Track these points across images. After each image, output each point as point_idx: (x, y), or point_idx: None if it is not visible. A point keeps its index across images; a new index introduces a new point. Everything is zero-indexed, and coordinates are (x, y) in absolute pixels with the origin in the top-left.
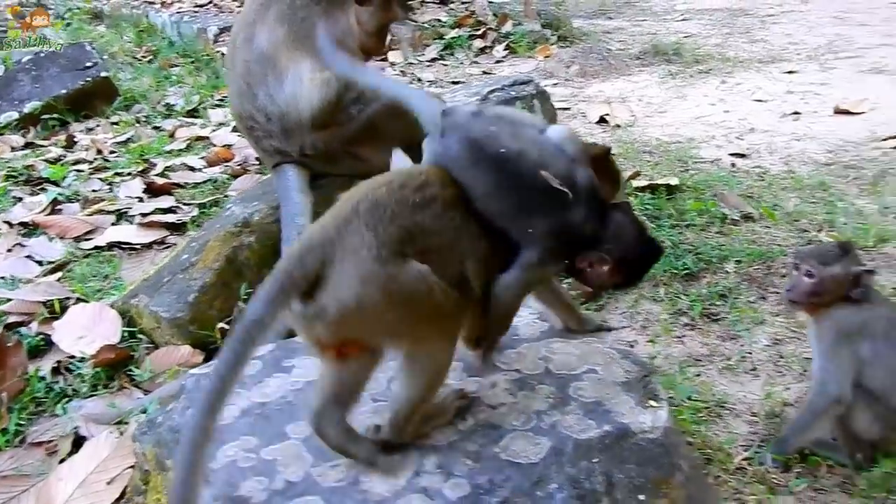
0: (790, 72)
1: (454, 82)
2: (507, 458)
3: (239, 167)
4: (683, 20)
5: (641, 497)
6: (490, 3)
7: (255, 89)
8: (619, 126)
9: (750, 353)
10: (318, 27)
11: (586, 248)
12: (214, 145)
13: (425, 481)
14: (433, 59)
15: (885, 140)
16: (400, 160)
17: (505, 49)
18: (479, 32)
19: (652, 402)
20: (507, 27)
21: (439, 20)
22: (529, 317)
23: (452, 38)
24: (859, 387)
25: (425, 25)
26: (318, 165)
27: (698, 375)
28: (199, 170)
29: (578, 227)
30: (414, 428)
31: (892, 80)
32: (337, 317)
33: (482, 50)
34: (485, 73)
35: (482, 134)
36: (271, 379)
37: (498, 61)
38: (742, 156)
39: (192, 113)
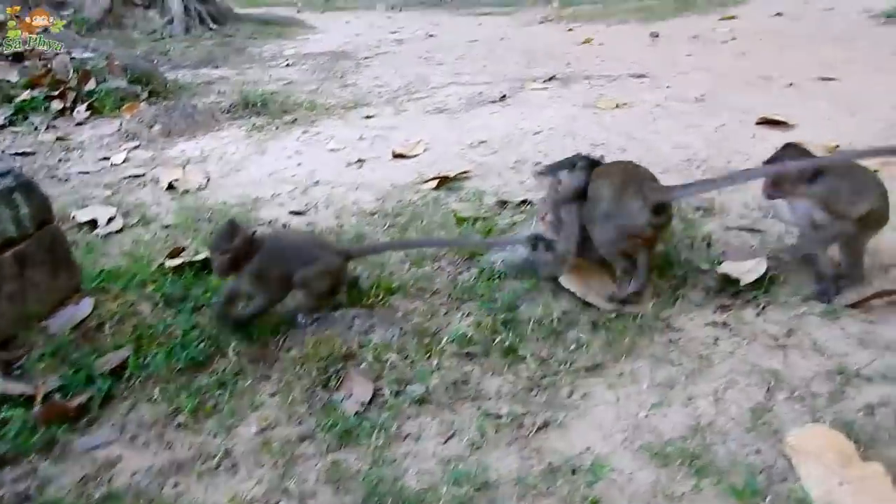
0: (368, 116)
1: (22, 153)
2: None
3: None
4: (287, 66)
5: None
6: (72, 59)
7: None
8: (187, 191)
9: (233, 447)
10: None
11: None
12: None
13: None
14: (1, 127)
15: (425, 182)
16: None
17: (88, 109)
18: (58, 92)
19: None
20: (91, 85)
21: (8, 81)
22: None
23: (24, 100)
24: None
25: None
26: None
27: (177, 486)
28: None
29: None
30: None
31: (449, 119)
32: None
33: (61, 112)
34: (59, 139)
35: None
36: None
37: (79, 124)
38: (299, 213)
39: None
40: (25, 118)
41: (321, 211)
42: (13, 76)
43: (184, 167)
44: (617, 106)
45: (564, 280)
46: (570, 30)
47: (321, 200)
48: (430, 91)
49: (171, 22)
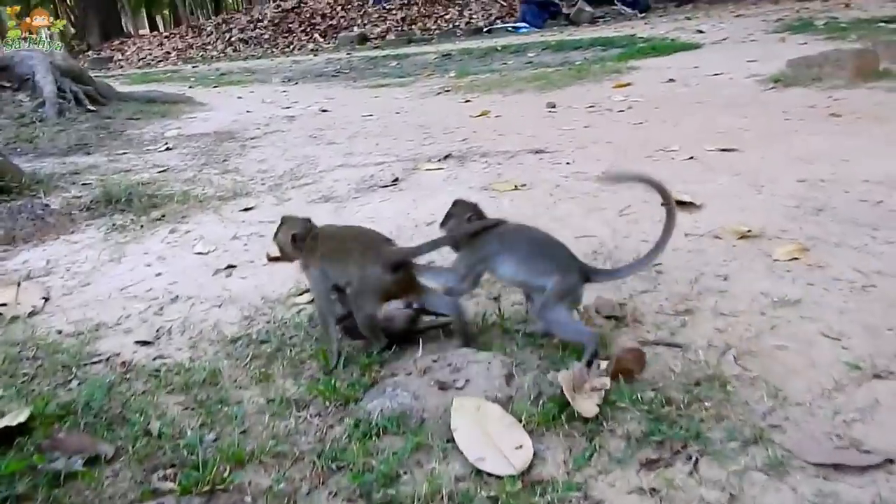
0: (247, 209)
1: None
2: None
3: None
4: (167, 149)
5: None
6: None
7: None
8: (16, 318)
9: None
10: None
11: None
12: None
13: None
14: None
15: (301, 294)
16: None
17: None
18: None
19: None
20: None
21: None
22: None
23: None
24: None
25: None
26: None
27: None
28: None
29: None
30: None
31: (335, 208)
32: None
33: None
34: None
35: None
36: None
37: None
38: (147, 343)
39: None
40: None
41: (174, 338)
42: None
43: (18, 284)
44: (515, 188)
45: (459, 436)
46: (467, 101)
47: (176, 323)
48: (317, 175)
49: (42, 105)
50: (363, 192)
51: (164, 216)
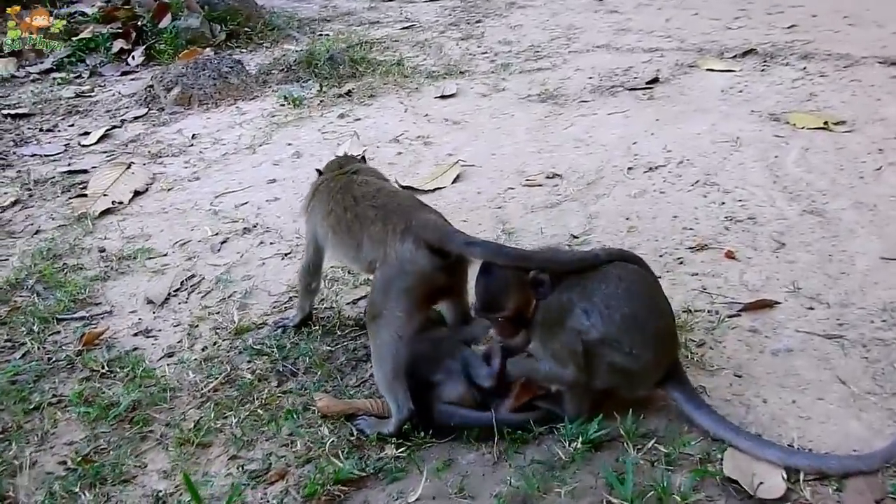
0: (446, 96)
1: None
2: None
3: None
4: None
5: None
6: None
7: None
8: (84, 217)
9: None
10: None
11: None
12: None
13: None
14: (48, 71)
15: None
16: None
17: (145, 53)
18: (124, 30)
19: None
20: (166, 21)
21: (83, 13)
22: None
23: (85, 39)
24: None
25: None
26: None
27: None
28: None
29: None
30: None
31: (548, 112)
32: None
33: (119, 55)
34: (78, 95)
35: None
36: None
37: (125, 73)
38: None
39: None
40: (81, 60)
41: (234, 297)
42: (91, 7)
43: (129, 166)
44: (825, 125)
45: None
46: None
47: (228, 263)
48: (562, 58)
49: None
50: (599, 94)
51: (350, 92)
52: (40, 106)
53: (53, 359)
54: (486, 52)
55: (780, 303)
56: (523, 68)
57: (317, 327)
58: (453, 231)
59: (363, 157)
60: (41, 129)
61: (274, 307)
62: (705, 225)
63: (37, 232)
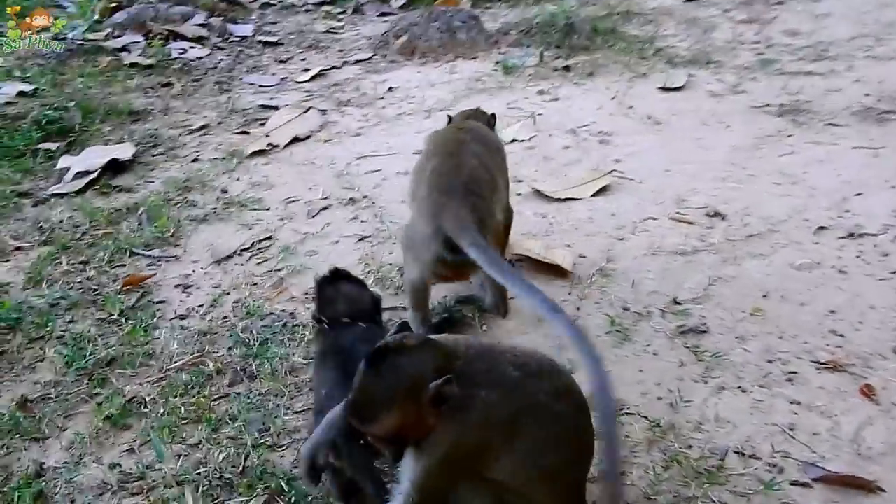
0: (671, 88)
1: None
2: None
3: None
4: None
5: None
6: None
7: None
8: (231, 155)
9: None
10: None
11: None
12: None
13: None
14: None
15: None
16: None
17: None
18: None
19: None
20: None
21: None
22: None
23: None
24: None
25: None
26: None
27: None
28: None
29: None
30: None
31: (784, 129)
32: None
33: None
34: (329, 31)
35: None
36: None
37: (382, 13)
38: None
39: None
40: None
41: (282, 272)
42: None
43: (307, 110)
44: None
45: None
46: None
47: (308, 233)
48: (850, 62)
49: None
50: (862, 118)
51: (569, 67)
52: (292, 37)
53: (97, 291)
54: (758, 42)
55: (885, 491)
56: (787, 69)
57: (307, 332)
58: (467, 227)
59: (493, 117)
60: (277, 60)
61: (306, 295)
62: (868, 335)
63: (194, 160)
